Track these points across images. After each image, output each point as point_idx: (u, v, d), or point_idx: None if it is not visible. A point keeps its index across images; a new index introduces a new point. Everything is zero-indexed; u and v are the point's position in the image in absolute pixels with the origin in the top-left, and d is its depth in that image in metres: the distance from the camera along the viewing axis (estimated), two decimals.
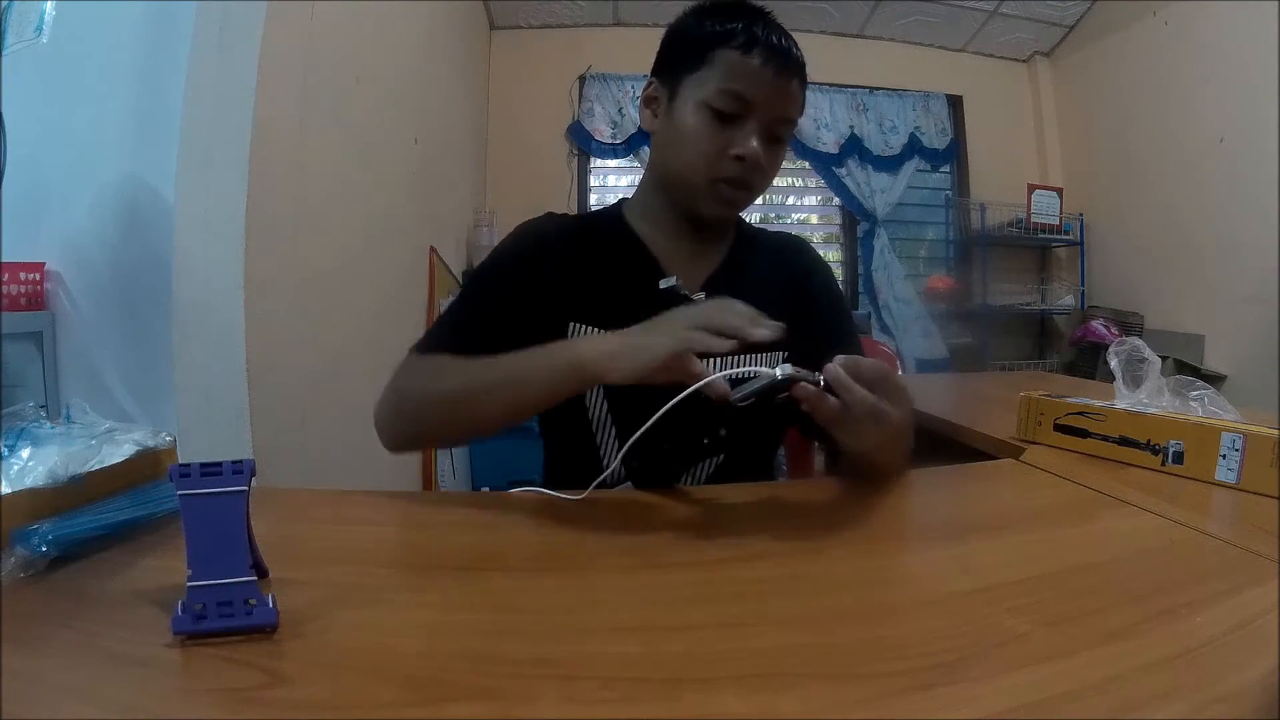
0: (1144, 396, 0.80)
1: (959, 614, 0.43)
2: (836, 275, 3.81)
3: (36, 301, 1.23)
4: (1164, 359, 2.34)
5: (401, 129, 2.08)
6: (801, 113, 0.80)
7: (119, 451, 0.58)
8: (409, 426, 0.78)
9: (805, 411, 0.61)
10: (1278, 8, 2.51)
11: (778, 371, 0.59)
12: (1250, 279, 2.67)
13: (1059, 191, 3.52)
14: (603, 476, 0.68)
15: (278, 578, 0.47)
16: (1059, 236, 3.54)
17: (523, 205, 3.86)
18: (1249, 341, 2.67)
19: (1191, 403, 0.78)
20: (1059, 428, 0.85)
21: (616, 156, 3.48)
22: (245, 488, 0.42)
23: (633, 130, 3.40)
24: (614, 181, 3.61)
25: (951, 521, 0.68)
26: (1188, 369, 2.73)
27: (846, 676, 0.36)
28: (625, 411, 0.81)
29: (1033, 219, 3.44)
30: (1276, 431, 0.66)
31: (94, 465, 0.55)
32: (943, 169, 3.78)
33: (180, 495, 0.41)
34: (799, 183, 3.84)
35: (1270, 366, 2.50)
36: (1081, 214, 3.55)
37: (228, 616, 0.40)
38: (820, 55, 3.95)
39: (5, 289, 1.18)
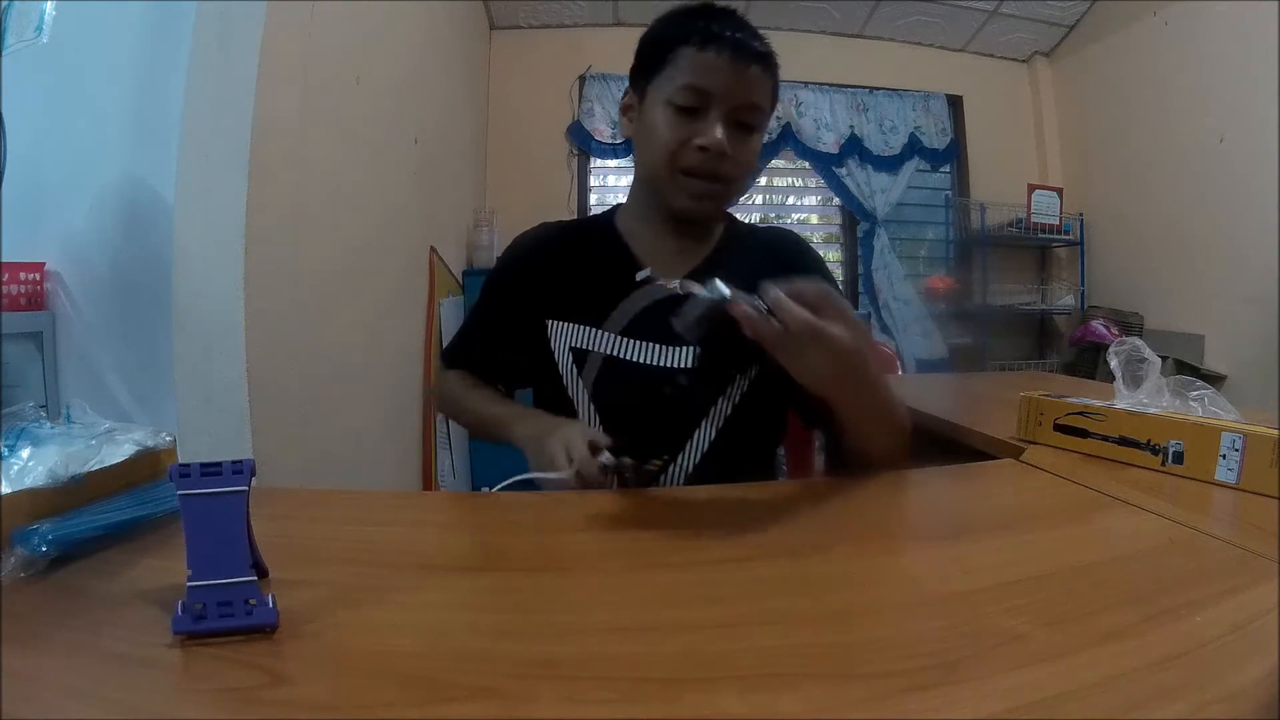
0: (1144, 396, 0.80)
1: (959, 614, 0.43)
2: (836, 275, 3.81)
3: (36, 301, 1.23)
4: (1164, 359, 2.34)
5: (401, 129, 2.08)
6: (771, 100, 0.82)
7: (119, 451, 0.58)
8: (451, 418, 1.01)
9: (795, 387, 0.63)
10: (1278, 8, 2.51)
11: (714, 290, 0.59)
12: (1250, 279, 2.67)
13: (1059, 191, 3.52)
14: (604, 471, 0.68)
15: (278, 578, 0.47)
16: (1059, 236, 3.54)
17: (523, 205, 3.87)
18: (1249, 341, 2.67)
19: (1191, 403, 0.78)
20: (1059, 428, 0.85)
21: (616, 156, 3.48)
22: (245, 488, 0.42)
23: None
24: (614, 181, 3.61)
25: (951, 521, 0.68)
26: (1188, 369, 2.73)
27: (846, 676, 0.36)
28: (608, 405, 0.84)
29: (1033, 219, 3.44)
30: (1276, 431, 0.66)
31: (94, 465, 0.55)
32: (943, 169, 3.78)
33: (180, 495, 0.41)
34: (799, 183, 3.84)
35: (1270, 366, 2.50)
36: (1081, 214, 3.55)
37: (228, 616, 0.40)
38: (820, 55, 3.96)
39: (5, 289, 1.18)
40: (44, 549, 0.47)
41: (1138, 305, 3.26)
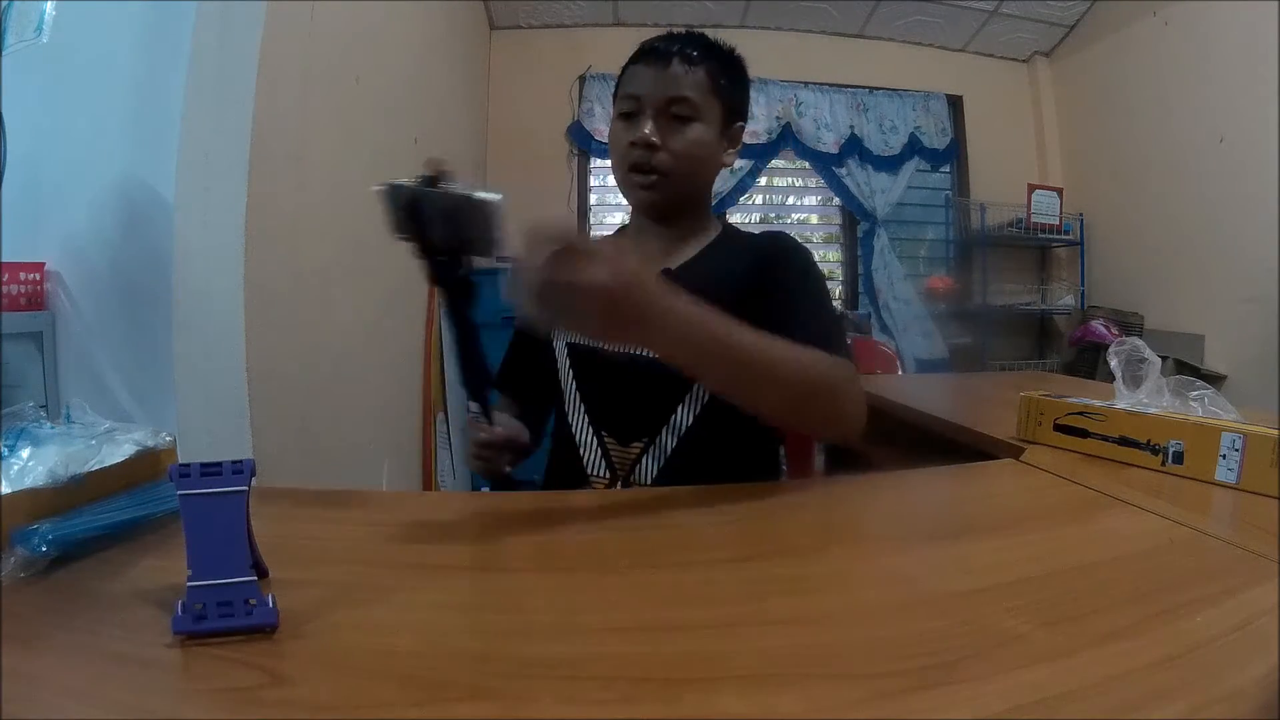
0: (1144, 396, 0.80)
1: (959, 614, 0.43)
2: (836, 275, 3.77)
3: (36, 301, 1.23)
4: (1164, 359, 2.34)
5: (401, 129, 2.09)
6: (709, 89, 0.87)
7: (119, 451, 0.58)
8: None
9: None
10: (1278, 8, 2.51)
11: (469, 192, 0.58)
12: (1250, 279, 2.67)
13: (1059, 191, 3.52)
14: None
15: (278, 578, 0.47)
16: (1059, 236, 3.54)
17: (523, 205, 3.85)
18: (1249, 341, 2.67)
19: (1191, 403, 0.78)
20: (1059, 428, 0.85)
21: None
22: (245, 488, 0.42)
23: None
24: (614, 181, 3.60)
25: (951, 521, 0.68)
26: (1188, 369, 2.73)
27: (846, 676, 0.36)
28: (591, 391, 0.89)
29: (1033, 219, 3.44)
30: (1276, 431, 0.66)
31: (94, 465, 0.55)
32: (943, 169, 3.78)
33: (180, 495, 0.41)
34: (799, 183, 3.84)
35: (1270, 366, 2.50)
36: (1081, 214, 3.55)
37: (228, 616, 0.40)
38: (820, 55, 3.95)
39: (5, 289, 1.18)
40: (44, 549, 0.47)
41: (1138, 305, 3.26)
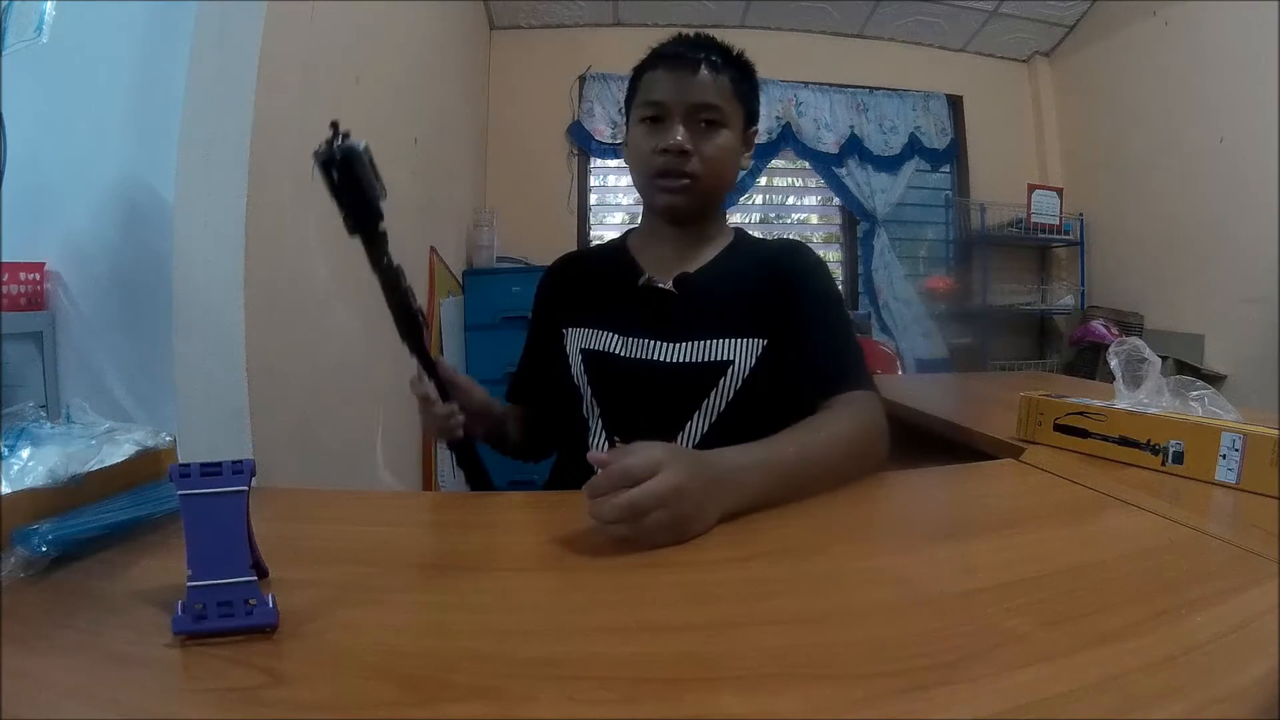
0: (1144, 396, 0.80)
1: (958, 614, 0.43)
2: (836, 275, 3.81)
3: (36, 301, 1.23)
4: (1164, 359, 2.34)
5: (401, 129, 2.08)
6: (734, 96, 0.89)
7: (119, 451, 0.58)
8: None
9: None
10: (1278, 8, 2.51)
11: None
12: (1250, 279, 2.67)
13: (1059, 191, 3.52)
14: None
15: (278, 578, 0.47)
16: (1059, 236, 3.54)
17: (523, 205, 3.86)
18: (1249, 341, 2.67)
19: (1191, 403, 0.78)
20: (1059, 428, 0.85)
21: (616, 156, 3.48)
22: (245, 488, 0.42)
23: None
24: (614, 181, 3.61)
25: (951, 521, 0.68)
26: (1188, 369, 2.73)
27: (846, 676, 0.36)
28: (606, 398, 0.89)
29: (1033, 219, 3.44)
30: (1276, 431, 0.66)
31: (94, 465, 0.55)
32: (943, 169, 3.78)
33: (180, 495, 0.41)
34: (799, 183, 3.84)
35: (1270, 366, 2.50)
36: (1081, 214, 3.55)
37: (228, 616, 0.40)
38: (820, 55, 3.95)
39: (5, 289, 1.18)
40: (44, 549, 0.47)
41: (1138, 305, 3.26)
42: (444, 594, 0.48)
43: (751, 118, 0.93)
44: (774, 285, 0.88)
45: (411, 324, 0.77)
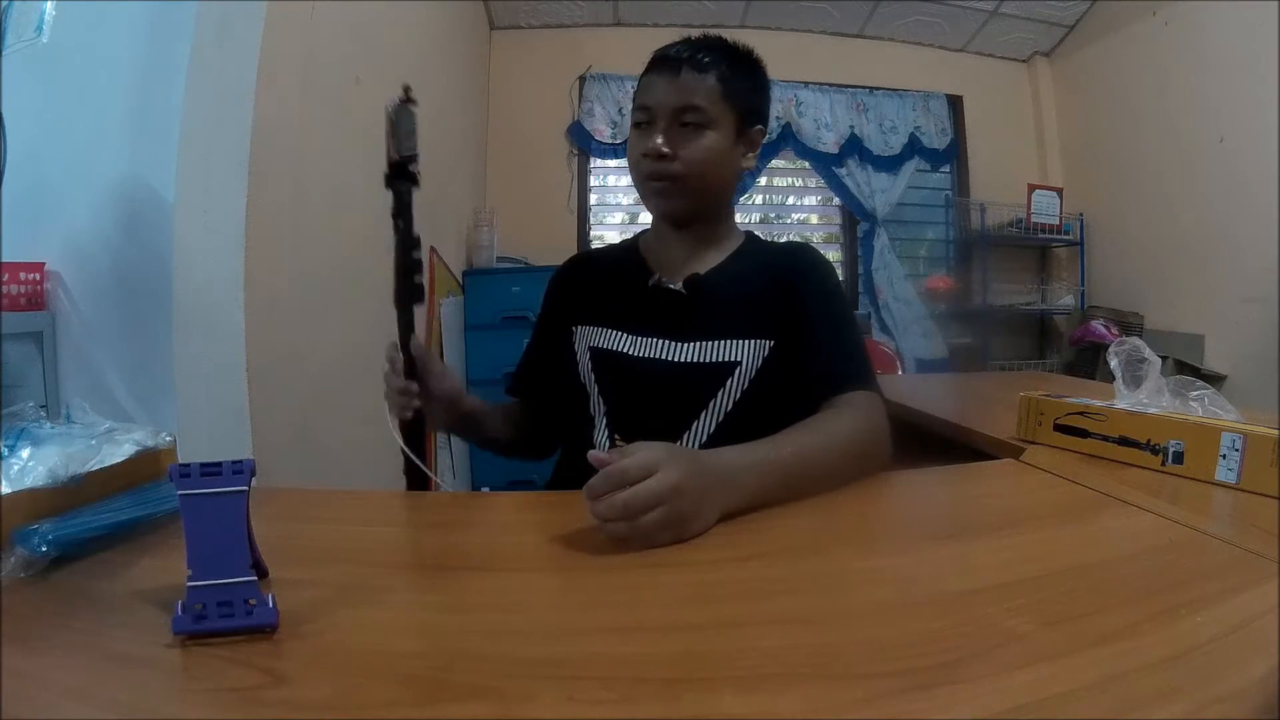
0: (1144, 396, 0.80)
1: (959, 614, 0.43)
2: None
3: (36, 301, 1.23)
4: (1164, 359, 2.34)
5: None
6: (719, 96, 0.88)
7: (119, 451, 0.58)
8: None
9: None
10: (1278, 8, 2.51)
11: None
12: (1250, 279, 2.67)
13: (1059, 191, 3.52)
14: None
15: (278, 578, 0.47)
16: (1059, 236, 3.54)
17: (523, 205, 3.85)
18: (1249, 341, 2.67)
19: (1191, 403, 0.78)
20: (1059, 428, 0.85)
21: (617, 156, 3.48)
22: (245, 488, 0.42)
23: None
24: (614, 181, 3.61)
25: (951, 521, 0.68)
26: (1188, 369, 2.73)
27: (846, 676, 0.36)
28: (613, 396, 0.89)
29: (1033, 219, 3.44)
30: (1276, 431, 0.66)
31: (94, 465, 0.55)
32: (943, 169, 3.78)
33: (180, 495, 0.41)
34: (799, 183, 3.84)
35: (1270, 366, 2.50)
36: (1081, 214, 3.55)
37: (228, 616, 0.40)
38: (820, 55, 3.94)
39: (5, 289, 1.18)
40: (44, 549, 0.47)
41: (1138, 305, 3.26)
42: (444, 594, 0.48)
43: (751, 117, 0.92)
44: (781, 286, 0.89)
45: (410, 291, 0.78)
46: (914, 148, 3.65)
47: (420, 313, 2.44)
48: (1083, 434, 0.82)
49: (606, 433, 0.88)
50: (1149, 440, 0.76)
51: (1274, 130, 2.54)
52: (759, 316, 0.87)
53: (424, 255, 0.79)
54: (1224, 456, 0.69)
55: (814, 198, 3.86)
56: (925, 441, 1.09)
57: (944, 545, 0.58)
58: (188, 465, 0.41)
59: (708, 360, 0.85)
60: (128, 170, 1.20)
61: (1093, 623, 0.41)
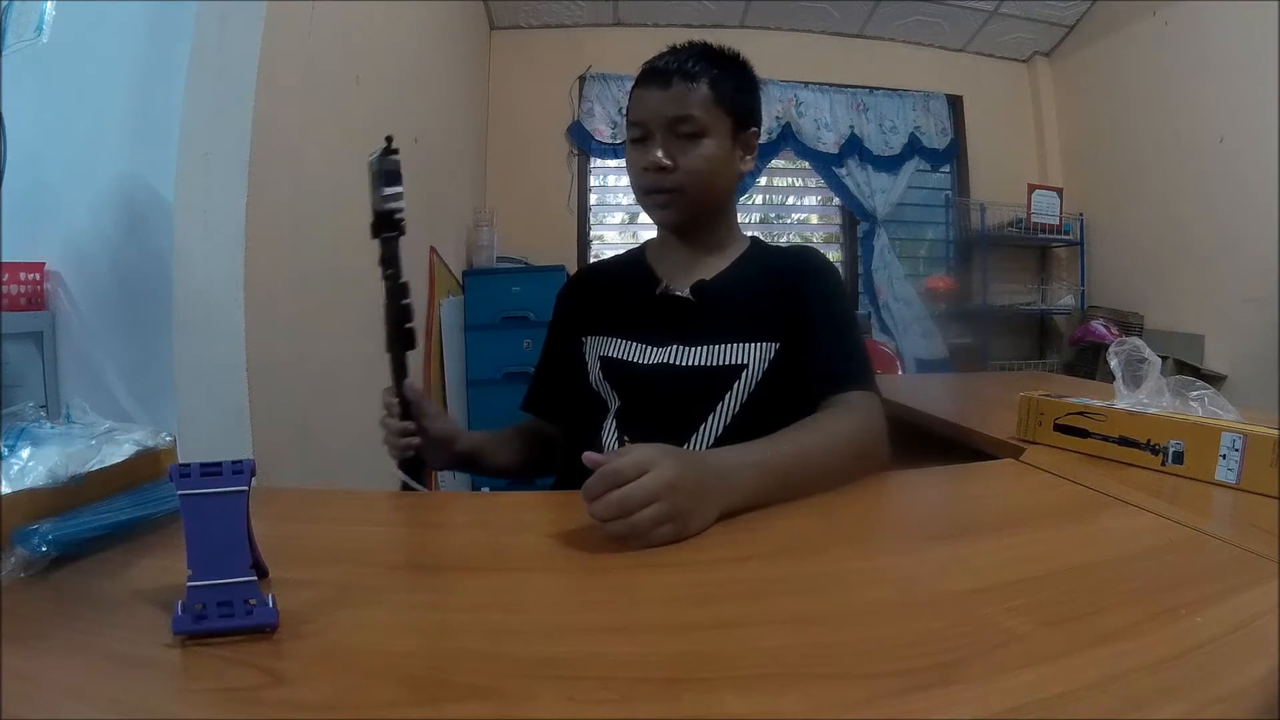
0: (1144, 396, 0.80)
1: (959, 614, 0.43)
2: None
3: (36, 301, 1.23)
4: (1164, 359, 2.34)
5: (401, 129, 2.08)
6: (713, 105, 0.88)
7: (119, 451, 0.58)
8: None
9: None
10: (1278, 8, 2.51)
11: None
12: (1250, 279, 2.67)
13: (1059, 191, 3.52)
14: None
15: (278, 578, 0.47)
16: (1059, 236, 3.54)
17: (523, 205, 3.85)
18: (1249, 341, 2.67)
19: (1191, 403, 0.78)
20: (1059, 428, 0.85)
21: (616, 156, 3.48)
22: (245, 488, 0.42)
23: None
24: (614, 181, 3.61)
25: (951, 521, 0.68)
26: (1188, 369, 2.73)
27: (846, 676, 0.36)
28: (624, 402, 0.89)
29: (1033, 219, 3.44)
30: (1276, 431, 0.66)
31: (94, 465, 0.55)
32: (943, 169, 3.78)
33: (180, 495, 0.41)
34: (799, 183, 3.84)
35: (1270, 366, 2.50)
36: (1081, 214, 3.55)
37: (228, 616, 0.40)
38: (820, 55, 3.94)
39: (5, 289, 1.18)
40: (44, 549, 0.47)
41: (1138, 305, 3.26)
42: (444, 594, 0.48)
43: (744, 120, 0.93)
44: (785, 289, 0.90)
45: (402, 337, 0.80)
46: (914, 148, 3.65)
47: (420, 313, 2.44)
48: (1083, 434, 0.82)
49: (616, 434, 0.89)
50: (1149, 440, 0.76)
51: (1274, 130, 2.54)
52: (764, 319, 0.87)
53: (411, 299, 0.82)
54: (1224, 456, 0.69)
55: (814, 198, 3.86)
56: (925, 441, 1.09)
57: (944, 545, 0.58)
58: (188, 465, 0.41)
59: (715, 364, 0.86)
60: (128, 170, 1.20)
61: (1093, 623, 0.41)
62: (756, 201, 3.75)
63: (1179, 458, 0.73)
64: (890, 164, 3.62)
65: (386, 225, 0.76)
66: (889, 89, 3.68)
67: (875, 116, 3.65)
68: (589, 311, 0.98)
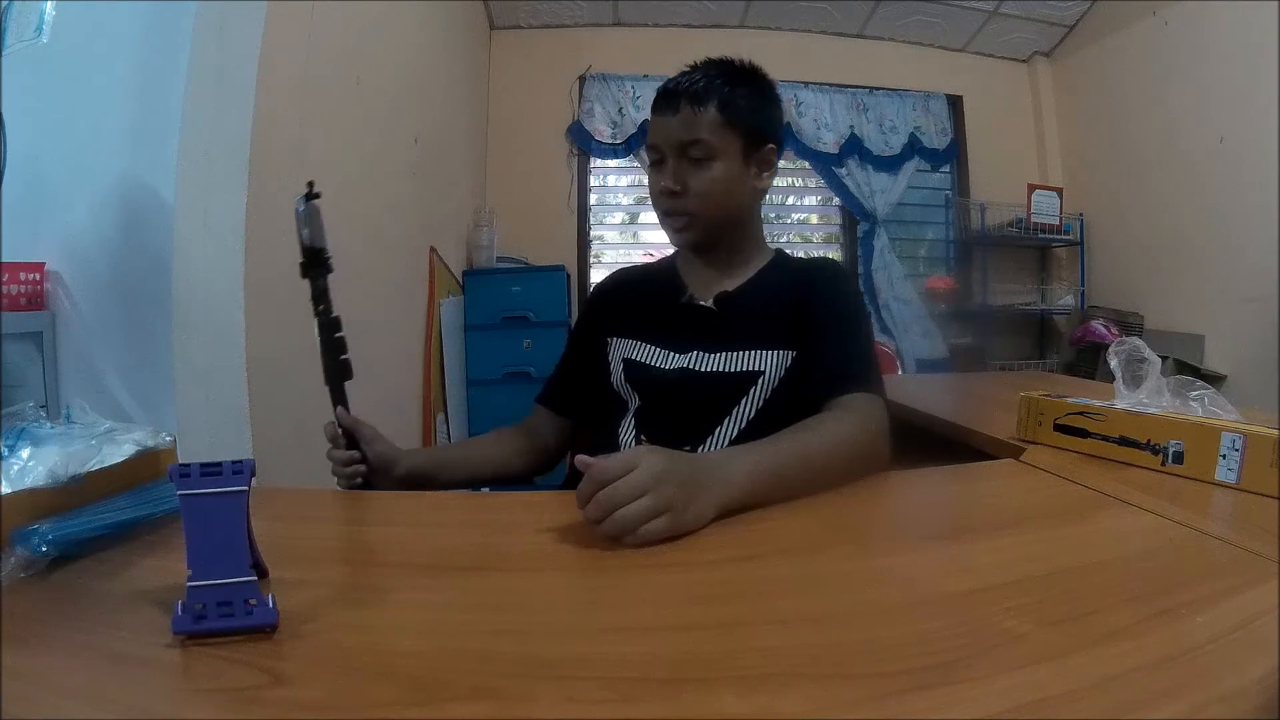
0: (1144, 396, 0.80)
1: (958, 614, 0.43)
2: None
3: (36, 301, 1.23)
4: (1164, 359, 2.34)
5: (401, 129, 2.08)
6: (722, 127, 0.89)
7: (119, 451, 0.58)
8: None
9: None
10: (1278, 8, 2.51)
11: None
12: (1250, 279, 2.67)
13: (1059, 191, 3.52)
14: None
15: (278, 578, 0.47)
16: (1059, 236, 3.54)
17: (523, 205, 3.85)
18: (1249, 341, 2.67)
19: (1191, 403, 0.78)
20: (1059, 428, 0.85)
21: (616, 156, 3.48)
22: (245, 488, 0.42)
23: (632, 130, 3.40)
24: (614, 181, 3.61)
25: (951, 521, 0.68)
26: (1188, 369, 2.73)
27: (846, 676, 0.36)
28: (643, 403, 0.92)
29: (1033, 219, 3.44)
30: (1276, 431, 0.66)
31: (94, 465, 0.55)
32: (943, 169, 3.78)
33: (180, 495, 0.41)
34: (799, 183, 3.84)
35: (1270, 366, 2.50)
36: (1081, 214, 3.55)
37: (228, 616, 0.40)
38: (820, 55, 3.94)
39: (5, 289, 1.18)
40: (44, 549, 0.47)
41: (1138, 305, 3.26)
42: (444, 594, 0.48)
43: (758, 138, 0.92)
44: (799, 298, 0.91)
45: (338, 368, 0.82)
46: (914, 148, 3.65)
47: (420, 313, 2.43)
48: (1083, 434, 0.82)
49: (634, 434, 0.91)
50: (1149, 440, 0.76)
51: (1274, 130, 2.54)
52: (781, 328, 0.89)
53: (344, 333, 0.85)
54: (1224, 456, 0.69)
55: (814, 198, 3.86)
56: (925, 441, 1.09)
57: (944, 545, 0.58)
58: (188, 465, 0.41)
59: (733, 370, 0.89)
60: (128, 170, 1.20)
61: (1092, 623, 0.41)
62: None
63: (1179, 458, 0.73)
64: (890, 164, 3.62)
65: (315, 264, 0.81)
66: (889, 89, 3.68)
67: (875, 116, 3.65)
68: (617, 315, 1.01)
